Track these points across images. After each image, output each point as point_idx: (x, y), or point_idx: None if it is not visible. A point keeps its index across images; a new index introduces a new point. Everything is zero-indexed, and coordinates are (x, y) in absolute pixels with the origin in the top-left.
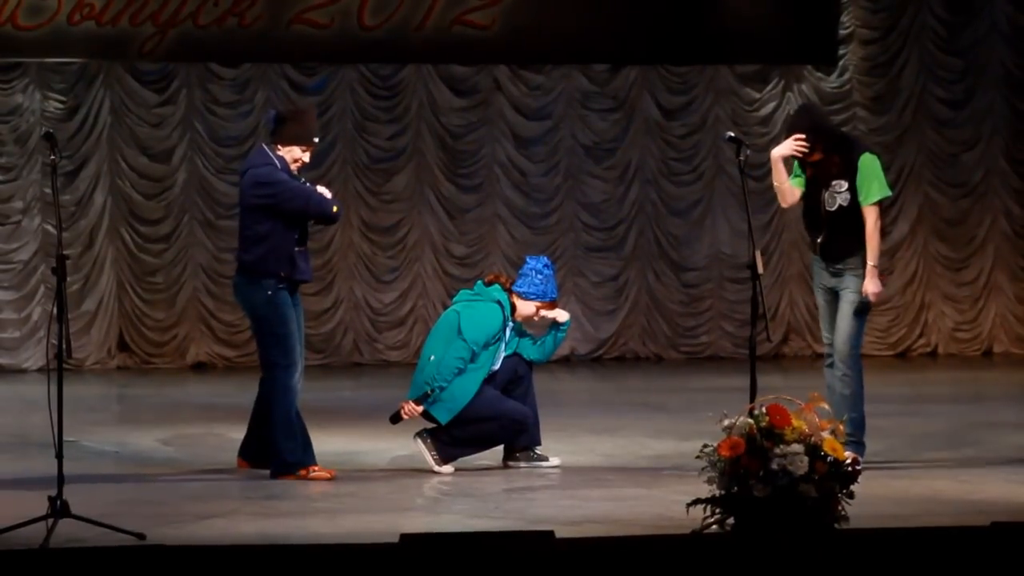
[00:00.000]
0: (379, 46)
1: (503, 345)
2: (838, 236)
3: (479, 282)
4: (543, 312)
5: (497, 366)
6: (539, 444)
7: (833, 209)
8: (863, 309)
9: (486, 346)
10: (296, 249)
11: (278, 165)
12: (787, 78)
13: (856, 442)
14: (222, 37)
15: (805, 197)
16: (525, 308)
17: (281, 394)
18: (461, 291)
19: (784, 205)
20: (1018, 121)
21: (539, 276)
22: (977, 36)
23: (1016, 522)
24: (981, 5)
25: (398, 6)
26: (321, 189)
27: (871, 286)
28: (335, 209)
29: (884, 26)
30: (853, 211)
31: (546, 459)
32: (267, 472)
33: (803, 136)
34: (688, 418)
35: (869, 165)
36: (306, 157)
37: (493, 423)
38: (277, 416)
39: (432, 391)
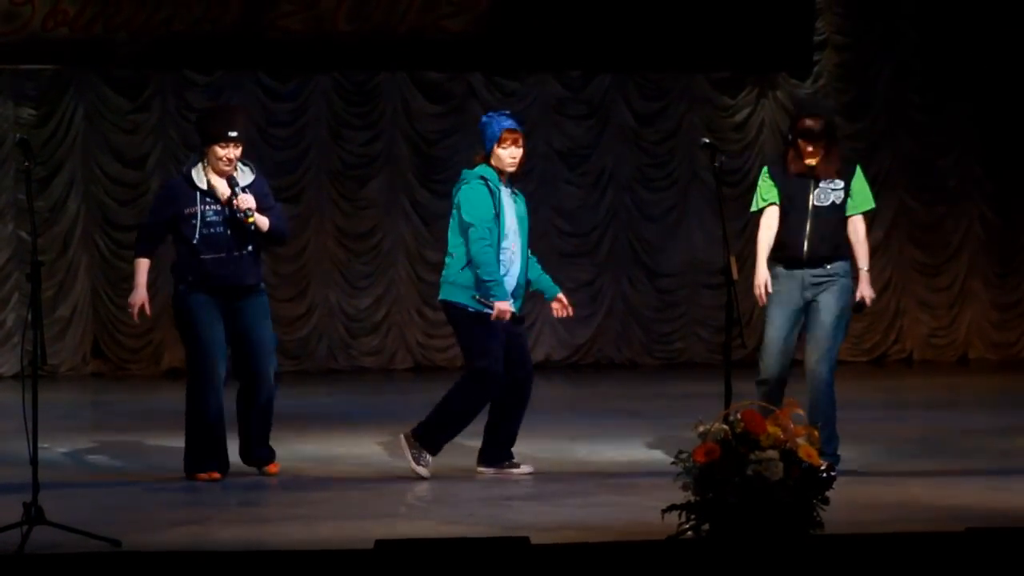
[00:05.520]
0: (353, 52)
1: (504, 211)
2: (822, 236)
3: (463, 171)
4: (504, 148)
5: (514, 242)
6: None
7: (825, 205)
8: (849, 318)
9: (497, 217)
10: (203, 256)
11: (184, 171)
12: (761, 85)
13: (833, 454)
14: (196, 44)
15: (787, 201)
16: (496, 159)
17: (188, 403)
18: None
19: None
20: (993, 127)
21: (485, 127)
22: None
23: (991, 528)
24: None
25: (372, 12)
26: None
27: (870, 291)
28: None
29: (858, 33)
30: (840, 213)
31: (517, 466)
32: (248, 477)
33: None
34: (663, 424)
35: (863, 173)
36: (229, 153)
37: (457, 390)
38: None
39: (491, 294)
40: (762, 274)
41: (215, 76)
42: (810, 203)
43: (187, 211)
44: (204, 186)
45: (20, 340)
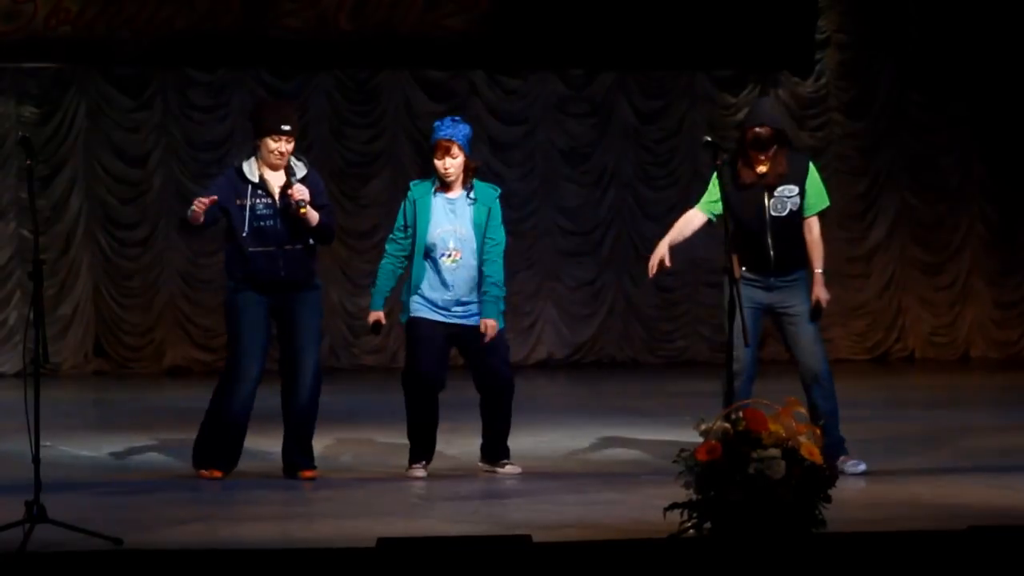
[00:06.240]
0: (355, 50)
1: (430, 221)
2: (787, 245)
3: None
4: (436, 159)
5: (454, 252)
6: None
7: (783, 215)
8: (818, 319)
9: (405, 228)
10: (252, 249)
11: (235, 164)
12: (764, 83)
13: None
14: (198, 42)
15: (737, 209)
16: (434, 168)
17: (215, 395)
18: None
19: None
20: (995, 125)
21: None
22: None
23: (994, 526)
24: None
25: (374, 10)
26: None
27: (825, 293)
28: (188, 214)
29: (860, 31)
30: (799, 218)
31: (503, 466)
32: (250, 476)
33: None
34: (665, 422)
35: (817, 171)
36: (282, 147)
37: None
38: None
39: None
40: (660, 252)
41: (217, 74)
42: (767, 214)
43: (237, 203)
44: (255, 179)
45: (22, 338)
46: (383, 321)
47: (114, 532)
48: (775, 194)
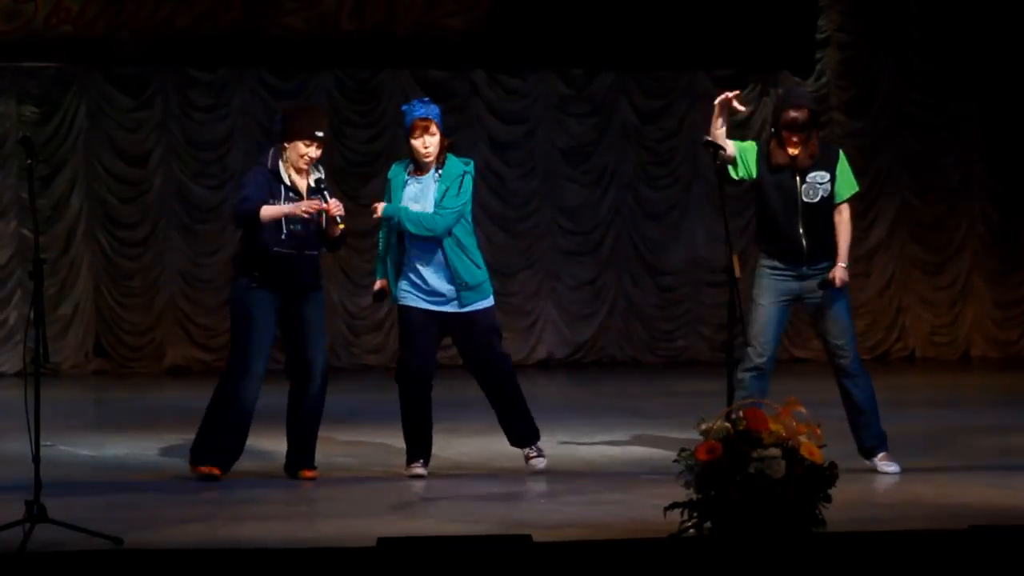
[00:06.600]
0: (355, 50)
1: (399, 200)
2: (819, 233)
3: None
4: (415, 138)
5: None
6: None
7: (815, 201)
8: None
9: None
10: (276, 249)
11: (267, 163)
12: (764, 83)
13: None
14: (199, 41)
15: (768, 194)
16: (411, 149)
17: (218, 391)
18: None
19: (727, 152)
20: (995, 125)
21: (403, 118)
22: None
23: (994, 526)
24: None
25: (374, 10)
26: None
27: (844, 275)
28: (244, 210)
29: (860, 30)
30: (830, 204)
31: (529, 458)
32: (250, 475)
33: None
34: (665, 422)
35: (846, 158)
36: (312, 152)
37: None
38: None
39: None
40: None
41: (218, 74)
42: (799, 200)
43: (273, 203)
44: (288, 182)
45: (22, 338)
46: (386, 289)
47: (114, 532)
48: (807, 180)
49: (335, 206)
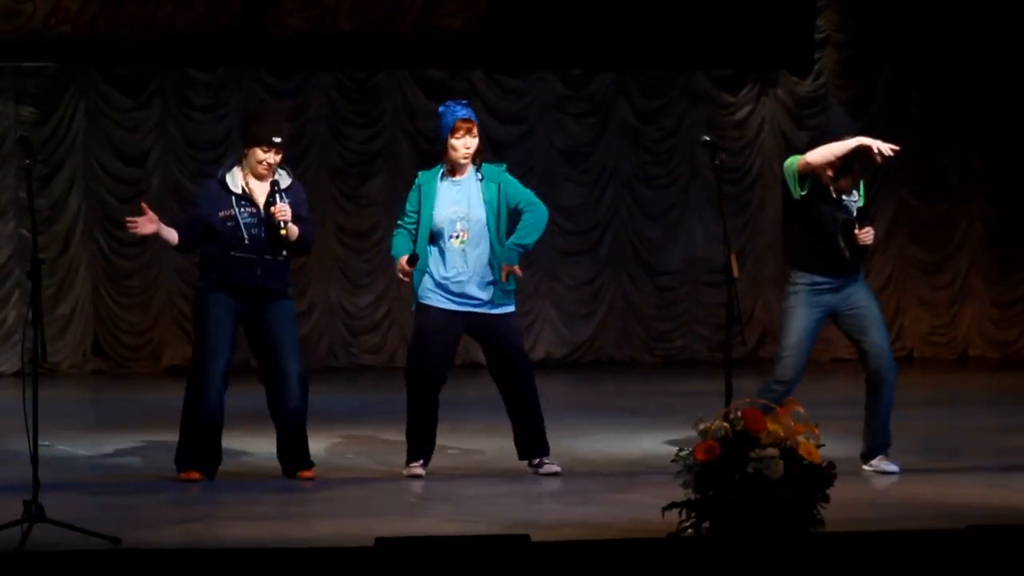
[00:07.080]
0: (354, 50)
1: (435, 205)
2: (854, 244)
3: None
4: (458, 138)
5: (461, 232)
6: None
7: (852, 218)
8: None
9: (415, 212)
10: (233, 254)
11: (218, 175)
12: (762, 82)
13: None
14: (197, 41)
15: (820, 211)
16: (451, 149)
17: (185, 399)
18: None
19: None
20: (994, 124)
21: (440, 118)
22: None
23: (992, 526)
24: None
25: (373, 10)
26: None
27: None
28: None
29: (859, 30)
30: (854, 219)
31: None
32: (248, 476)
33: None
34: (663, 422)
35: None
36: (269, 158)
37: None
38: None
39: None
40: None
41: (216, 74)
42: (839, 217)
43: (221, 214)
44: (239, 190)
45: (21, 338)
46: (405, 264)
47: (112, 531)
48: (843, 200)
49: (278, 211)
